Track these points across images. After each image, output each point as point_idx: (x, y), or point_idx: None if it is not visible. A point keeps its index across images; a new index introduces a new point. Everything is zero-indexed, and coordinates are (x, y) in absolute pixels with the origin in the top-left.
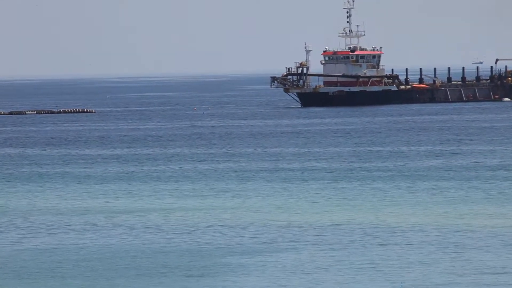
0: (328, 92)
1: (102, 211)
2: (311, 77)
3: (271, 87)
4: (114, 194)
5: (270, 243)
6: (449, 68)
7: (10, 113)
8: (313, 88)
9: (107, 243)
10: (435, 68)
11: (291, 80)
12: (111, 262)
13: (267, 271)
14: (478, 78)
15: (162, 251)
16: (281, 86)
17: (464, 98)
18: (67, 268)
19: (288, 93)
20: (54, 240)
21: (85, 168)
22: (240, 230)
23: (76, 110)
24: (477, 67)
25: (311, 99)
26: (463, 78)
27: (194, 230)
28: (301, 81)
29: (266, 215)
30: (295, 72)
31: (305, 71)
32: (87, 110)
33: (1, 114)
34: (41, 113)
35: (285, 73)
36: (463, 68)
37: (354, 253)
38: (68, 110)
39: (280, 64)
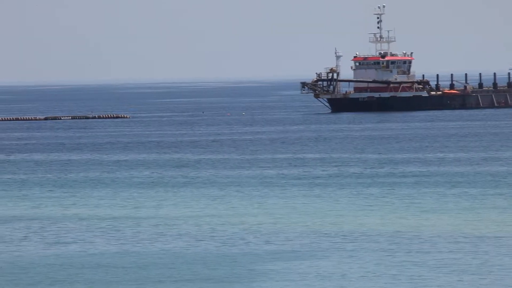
0: (358, 98)
1: (129, 217)
2: (341, 82)
3: (301, 93)
4: (142, 200)
5: (295, 249)
6: (480, 74)
7: (46, 119)
8: (343, 94)
9: (131, 250)
10: (466, 74)
11: (321, 85)
12: (137, 268)
13: (292, 278)
14: (510, 84)
15: (189, 257)
16: (311, 91)
17: (496, 104)
18: (94, 274)
19: (318, 98)
20: (81, 247)
21: (114, 173)
22: (266, 236)
23: (110, 115)
24: (509, 73)
25: (341, 104)
26: (495, 84)
27: (220, 236)
28: (331, 86)
29: (292, 221)
30: (325, 77)
31: (335, 76)
32: (121, 115)
33: (37, 120)
34: (76, 118)
35: (315, 79)
36: (495, 74)
37: (381, 259)
38: (102, 116)
39: (310, 69)
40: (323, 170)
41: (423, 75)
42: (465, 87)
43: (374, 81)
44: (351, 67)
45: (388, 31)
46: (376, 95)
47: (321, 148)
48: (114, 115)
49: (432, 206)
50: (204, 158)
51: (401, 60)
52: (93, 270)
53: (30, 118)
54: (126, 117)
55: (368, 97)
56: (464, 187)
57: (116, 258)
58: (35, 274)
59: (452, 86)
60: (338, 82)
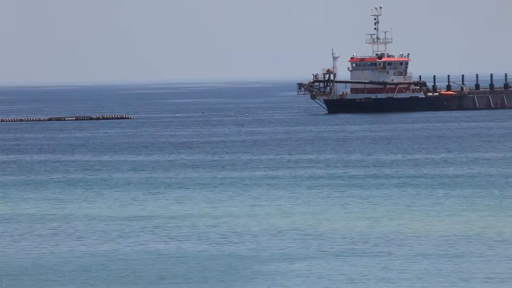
0: (355, 99)
1: (137, 218)
2: (338, 83)
3: (298, 94)
4: (150, 200)
5: (299, 251)
6: (477, 75)
7: (50, 119)
8: (340, 95)
9: (140, 249)
10: (463, 75)
11: (318, 86)
12: (144, 268)
13: (298, 279)
14: (506, 85)
15: (197, 258)
16: (308, 92)
17: (492, 105)
18: (103, 274)
19: (315, 99)
20: (91, 247)
21: (119, 174)
22: (270, 237)
23: (114, 116)
24: (505, 74)
25: (338, 105)
26: (491, 85)
27: (225, 237)
28: (328, 88)
29: (295, 223)
30: (322, 79)
31: (332, 78)
32: (125, 116)
33: (41, 120)
34: (80, 119)
35: (312, 80)
36: (491, 75)
37: (383, 263)
38: (106, 116)
39: (307, 71)
40: (322, 171)
41: (420, 76)
42: (462, 88)
43: (370, 82)
44: (348, 68)
45: (385, 32)
46: (373, 96)
47: (318, 149)
48: (118, 116)
49: (434, 208)
50: (200, 159)
51: (397, 61)
52: (103, 270)
53: (34, 119)
54: (130, 118)
55: (365, 98)
56: (468, 188)
57: (122, 258)
58: (59, 273)
59: (449, 87)
60: (335, 83)
